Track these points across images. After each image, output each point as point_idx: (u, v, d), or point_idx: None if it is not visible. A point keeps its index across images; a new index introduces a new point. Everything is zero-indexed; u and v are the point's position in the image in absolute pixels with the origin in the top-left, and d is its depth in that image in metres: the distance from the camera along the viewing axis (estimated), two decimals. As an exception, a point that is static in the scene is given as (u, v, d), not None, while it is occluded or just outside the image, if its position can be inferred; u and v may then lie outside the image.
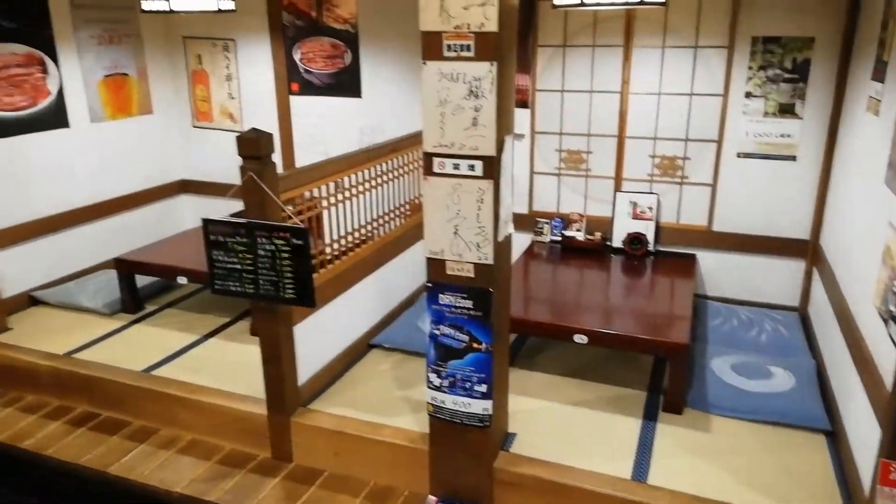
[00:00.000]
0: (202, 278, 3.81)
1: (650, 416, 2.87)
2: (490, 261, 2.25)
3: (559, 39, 4.09)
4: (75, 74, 4.30)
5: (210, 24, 4.78)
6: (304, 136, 4.83)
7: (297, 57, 4.68)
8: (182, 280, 3.87)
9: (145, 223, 4.92)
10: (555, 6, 2.91)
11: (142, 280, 4.09)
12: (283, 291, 2.63)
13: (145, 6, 3.51)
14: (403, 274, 4.00)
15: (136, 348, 3.56)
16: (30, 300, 4.09)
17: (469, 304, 2.33)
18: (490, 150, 2.12)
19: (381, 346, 3.57)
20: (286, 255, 2.58)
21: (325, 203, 3.13)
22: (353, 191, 3.35)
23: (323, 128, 4.76)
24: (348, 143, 4.63)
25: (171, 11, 3.46)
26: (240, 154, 2.56)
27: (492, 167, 2.15)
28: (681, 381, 2.90)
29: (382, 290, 3.76)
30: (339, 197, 3.23)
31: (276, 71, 4.75)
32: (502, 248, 2.35)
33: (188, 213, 5.29)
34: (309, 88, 4.72)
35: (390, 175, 3.72)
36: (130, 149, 4.78)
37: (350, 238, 3.37)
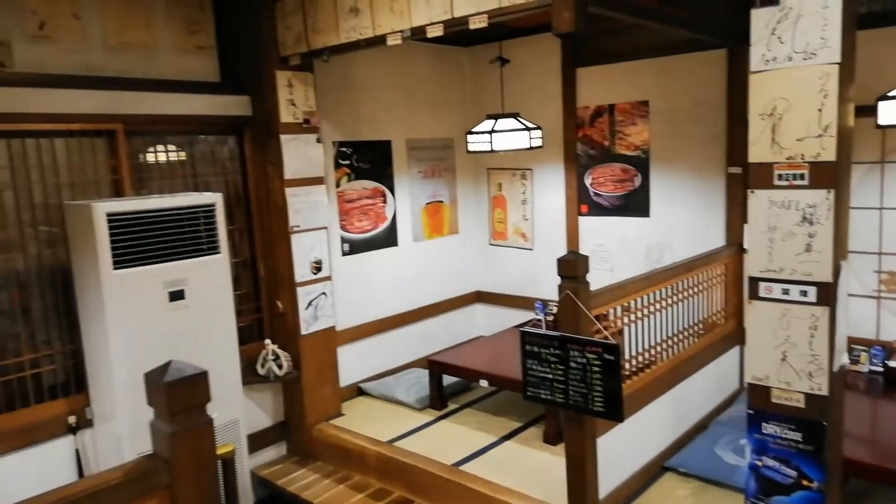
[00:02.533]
0: (500, 382, 4.15)
1: None
2: (824, 392, 2.15)
3: (876, 155, 3.83)
4: (405, 203, 5.20)
5: (513, 158, 5.44)
6: (591, 253, 5.09)
7: (587, 181, 5.05)
8: (483, 383, 4.26)
9: (446, 328, 5.55)
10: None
11: (445, 379, 4.58)
12: (592, 403, 2.78)
13: (471, 147, 4.18)
14: (696, 395, 3.88)
15: (444, 442, 3.96)
16: (357, 390, 4.83)
17: (798, 436, 2.21)
18: (826, 276, 2.09)
19: (675, 470, 3.47)
20: (597, 368, 2.74)
21: (626, 319, 3.26)
22: (651, 308, 3.44)
23: (609, 246, 4.99)
24: (633, 260, 4.77)
25: (493, 151, 4.07)
26: (559, 274, 2.86)
27: (827, 293, 2.10)
28: None
29: (676, 410, 3.69)
30: (639, 314, 3.35)
31: (567, 195, 5.17)
32: (836, 378, 2.22)
33: (480, 320, 5.83)
34: (597, 209, 5.03)
35: (685, 293, 3.74)
36: (439, 263, 5.52)
37: (647, 355, 3.43)
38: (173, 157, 3.99)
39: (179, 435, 1.61)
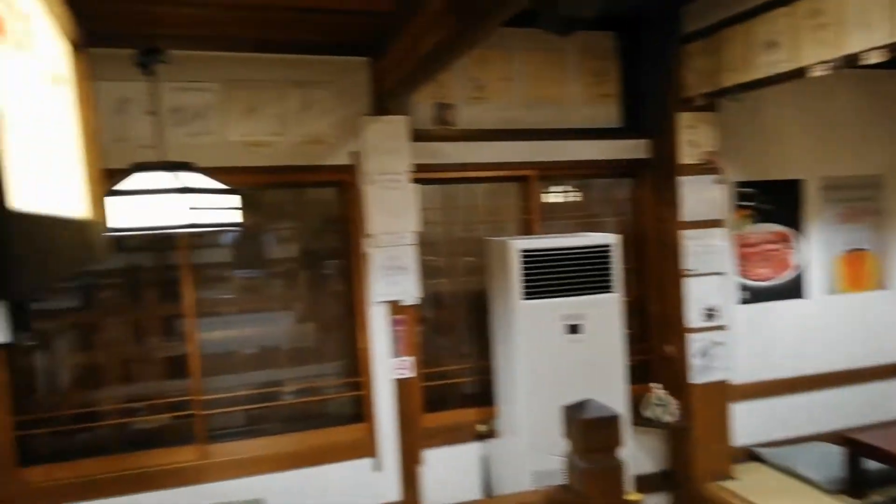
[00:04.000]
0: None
1: None
2: None
3: None
4: (816, 250, 4.57)
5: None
6: None
7: None
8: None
9: (864, 400, 4.64)
10: None
11: (865, 461, 3.80)
12: None
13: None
14: None
15: (865, 538, 3.27)
16: (750, 455, 4.36)
17: None
18: None
19: None
20: None
21: None
22: None
23: None
24: None
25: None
26: None
27: None
28: None
29: None
30: None
31: None
32: None
33: (914, 398, 4.72)
34: None
35: None
36: (858, 323, 4.67)
37: None
38: (570, 198, 4.29)
39: (592, 473, 1.65)
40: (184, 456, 3.45)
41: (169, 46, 2.21)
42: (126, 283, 3.47)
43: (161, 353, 3.53)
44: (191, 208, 2.22)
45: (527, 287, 3.47)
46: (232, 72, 3.43)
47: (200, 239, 3.55)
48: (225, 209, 2.53)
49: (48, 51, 0.89)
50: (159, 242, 3.47)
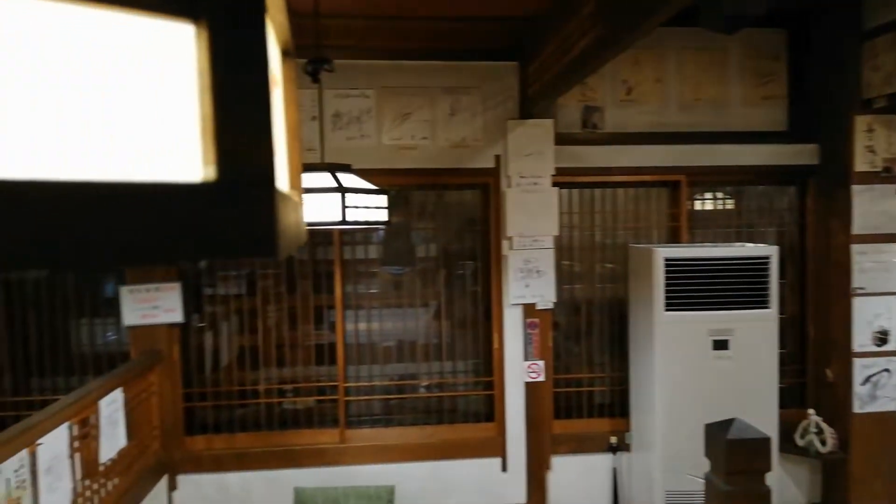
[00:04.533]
0: None
1: None
2: None
3: None
4: None
5: None
6: None
7: None
8: None
9: None
10: None
11: None
12: None
13: None
14: None
15: None
16: (922, 499, 3.89)
17: None
18: None
19: None
20: None
21: None
22: None
23: None
24: None
25: None
26: None
27: None
28: None
29: None
30: None
31: None
32: None
33: None
34: None
35: None
36: None
37: None
38: (721, 206, 4.03)
39: (735, 496, 1.56)
40: (326, 438, 3.67)
41: (331, 56, 2.36)
42: (283, 274, 3.74)
43: (311, 340, 3.78)
44: (346, 207, 2.36)
45: (670, 298, 3.31)
46: (387, 79, 3.58)
47: (351, 236, 3.75)
48: (375, 208, 2.66)
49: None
50: (314, 238, 3.71)
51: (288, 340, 3.76)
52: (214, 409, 3.69)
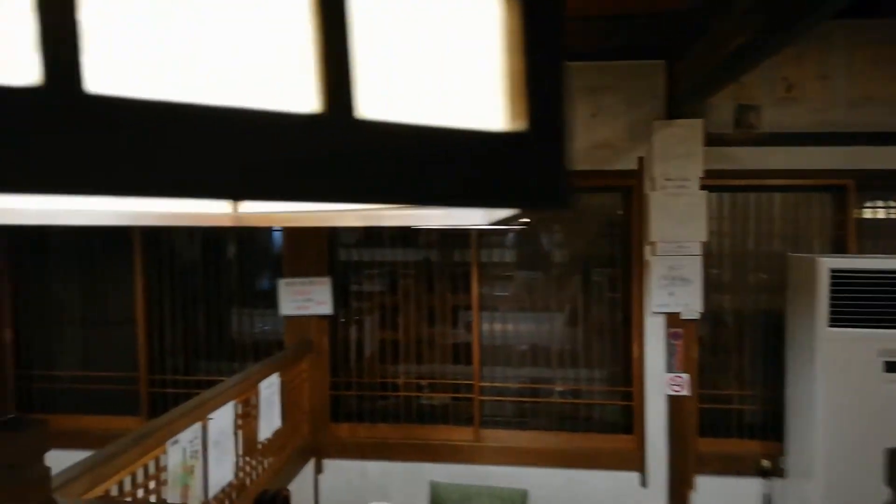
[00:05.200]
0: None
1: None
2: None
3: None
4: None
5: None
6: None
7: None
8: None
9: None
10: None
11: None
12: None
13: None
14: None
15: None
16: None
17: None
18: None
19: None
20: None
21: None
22: None
23: None
24: None
25: None
26: None
27: None
28: None
29: None
30: None
31: None
32: None
33: None
34: None
35: None
36: None
37: None
38: (896, 214, 3.64)
39: None
40: (461, 435, 3.74)
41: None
42: (423, 274, 3.87)
43: (448, 338, 3.87)
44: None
45: (835, 313, 3.04)
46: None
47: (486, 239, 3.80)
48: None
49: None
50: (452, 239, 3.80)
51: (426, 337, 3.87)
52: (358, 399, 3.88)
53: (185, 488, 2.40)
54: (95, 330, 4.11)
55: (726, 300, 3.71)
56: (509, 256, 3.92)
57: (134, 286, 3.95)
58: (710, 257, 3.62)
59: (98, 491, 1.90)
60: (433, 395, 3.86)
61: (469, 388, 3.78)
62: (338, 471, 3.75)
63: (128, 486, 2.08)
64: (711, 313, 3.65)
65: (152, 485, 2.21)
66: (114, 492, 1.99)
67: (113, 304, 4.08)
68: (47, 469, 1.67)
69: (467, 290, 3.78)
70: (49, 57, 0.24)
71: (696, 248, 3.49)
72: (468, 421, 3.78)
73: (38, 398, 4.11)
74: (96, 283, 4.10)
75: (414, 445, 3.73)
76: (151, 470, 2.21)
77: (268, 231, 4.08)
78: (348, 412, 3.88)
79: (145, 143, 0.26)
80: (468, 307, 3.79)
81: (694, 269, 3.49)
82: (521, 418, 3.85)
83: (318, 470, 3.76)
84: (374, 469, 3.73)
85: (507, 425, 3.81)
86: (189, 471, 2.45)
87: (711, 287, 3.63)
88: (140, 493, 2.15)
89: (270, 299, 3.88)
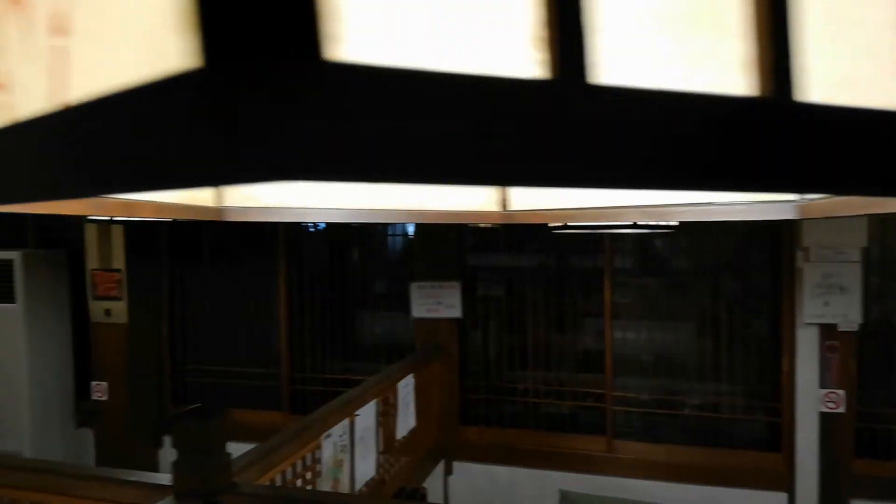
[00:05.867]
0: None
1: None
2: None
3: None
4: None
5: None
6: None
7: None
8: None
9: None
10: None
11: None
12: None
13: None
14: None
15: None
16: None
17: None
18: None
19: None
20: None
21: None
22: None
23: None
24: None
25: None
26: None
27: None
28: None
29: None
30: None
31: None
32: None
33: None
34: None
35: None
36: None
37: None
38: None
39: None
40: (593, 445, 3.66)
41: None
42: (552, 278, 3.82)
43: (577, 345, 3.80)
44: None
45: None
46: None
47: (621, 244, 3.70)
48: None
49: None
50: (585, 245, 3.73)
51: (555, 343, 3.82)
52: (486, 403, 3.89)
53: (336, 482, 2.50)
54: (242, 328, 4.38)
55: (890, 311, 3.39)
56: (641, 262, 3.79)
57: (278, 287, 4.18)
58: (872, 265, 3.33)
59: (266, 479, 2.01)
60: (562, 402, 3.80)
61: (600, 397, 3.69)
62: (466, 473, 3.78)
63: (289, 476, 2.19)
64: (873, 325, 3.35)
65: (308, 475, 2.32)
66: (278, 481, 2.11)
67: (256, 303, 4.34)
68: (229, 455, 1.79)
69: (594, 296, 3.70)
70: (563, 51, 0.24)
71: (856, 255, 3.22)
72: (599, 430, 3.68)
73: (191, 391, 4.44)
74: (243, 284, 4.37)
75: (543, 452, 3.68)
76: (308, 462, 2.32)
77: (387, 235, 4.20)
78: (477, 416, 3.90)
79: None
80: (598, 314, 3.71)
81: (853, 277, 3.22)
82: (654, 430, 3.71)
83: (448, 471, 3.80)
84: (502, 473, 3.72)
85: (639, 436, 3.68)
86: (339, 464, 2.55)
87: (873, 296, 3.33)
88: (298, 483, 2.26)
89: (392, 301, 3.99)
